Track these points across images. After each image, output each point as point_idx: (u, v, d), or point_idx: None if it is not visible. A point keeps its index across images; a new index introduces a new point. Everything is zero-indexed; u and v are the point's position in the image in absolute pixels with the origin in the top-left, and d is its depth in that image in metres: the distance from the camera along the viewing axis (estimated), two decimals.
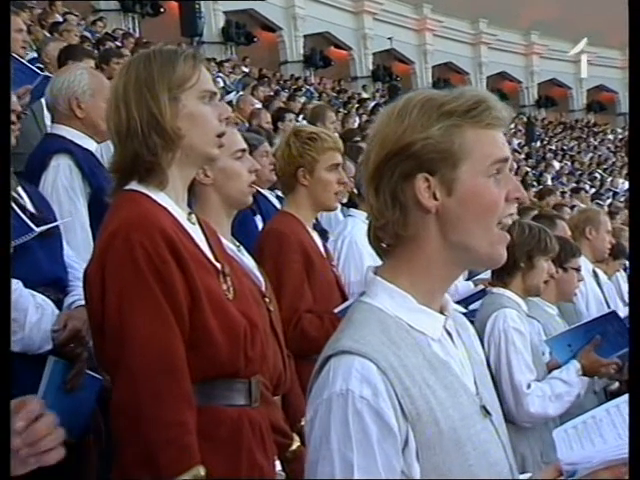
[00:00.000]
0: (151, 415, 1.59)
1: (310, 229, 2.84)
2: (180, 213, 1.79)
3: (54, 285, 2.25)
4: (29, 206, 2.27)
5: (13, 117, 2.37)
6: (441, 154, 1.18)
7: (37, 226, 2.19)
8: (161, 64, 1.78)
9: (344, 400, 1.11)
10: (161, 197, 1.76)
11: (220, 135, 1.83)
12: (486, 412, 1.24)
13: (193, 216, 1.85)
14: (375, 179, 1.22)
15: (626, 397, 1.24)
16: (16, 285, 2.08)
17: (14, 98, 2.38)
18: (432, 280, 1.24)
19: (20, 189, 2.30)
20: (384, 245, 1.26)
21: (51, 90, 2.96)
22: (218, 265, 1.81)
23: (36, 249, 2.19)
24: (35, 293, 2.13)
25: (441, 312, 1.27)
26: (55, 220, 2.35)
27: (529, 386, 2.84)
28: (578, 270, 3.50)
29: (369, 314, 1.22)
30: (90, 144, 2.98)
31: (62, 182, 2.80)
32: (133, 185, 1.76)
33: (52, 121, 3.05)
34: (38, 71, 3.98)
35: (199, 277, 1.71)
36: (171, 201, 1.78)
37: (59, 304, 2.21)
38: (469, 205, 1.19)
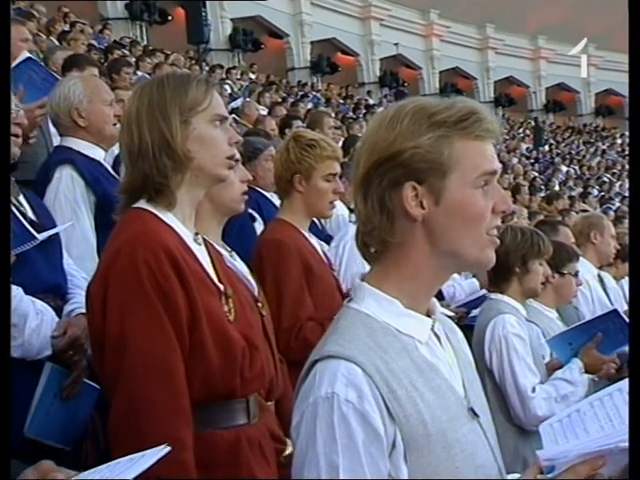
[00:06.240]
0: (148, 430, 1.59)
1: (307, 234, 2.83)
2: (187, 233, 1.81)
3: (54, 292, 2.26)
4: (30, 213, 2.28)
5: (17, 129, 2.35)
6: (430, 164, 1.19)
7: (37, 233, 2.20)
8: (174, 88, 1.80)
9: (329, 404, 1.12)
10: (168, 217, 1.78)
11: (230, 158, 1.85)
12: (474, 414, 1.24)
13: (200, 237, 1.87)
14: (364, 185, 1.23)
15: (609, 390, 1.23)
16: (16, 291, 2.08)
17: (16, 106, 2.37)
18: (419, 285, 1.25)
19: (21, 197, 2.31)
20: (372, 251, 1.27)
21: (51, 106, 2.98)
22: (221, 286, 1.81)
23: (35, 256, 2.19)
24: (35, 299, 2.14)
25: (428, 315, 1.27)
26: (55, 227, 2.36)
27: (534, 389, 2.83)
28: (575, 275, 3.48)
29: (355, 319, 1.22)
30: (97, 153, 3.00)
31: (64, 193, 2.81)
32: (141, 204, 1.78)
33: (59, 135, 3.08)
34: (59, 77, 3.98)
35: (200, 296, 1.72)
36: (178, 221, 1.80)
37: (58, 311, 2.22)
38: (456, 215, 1.20)
